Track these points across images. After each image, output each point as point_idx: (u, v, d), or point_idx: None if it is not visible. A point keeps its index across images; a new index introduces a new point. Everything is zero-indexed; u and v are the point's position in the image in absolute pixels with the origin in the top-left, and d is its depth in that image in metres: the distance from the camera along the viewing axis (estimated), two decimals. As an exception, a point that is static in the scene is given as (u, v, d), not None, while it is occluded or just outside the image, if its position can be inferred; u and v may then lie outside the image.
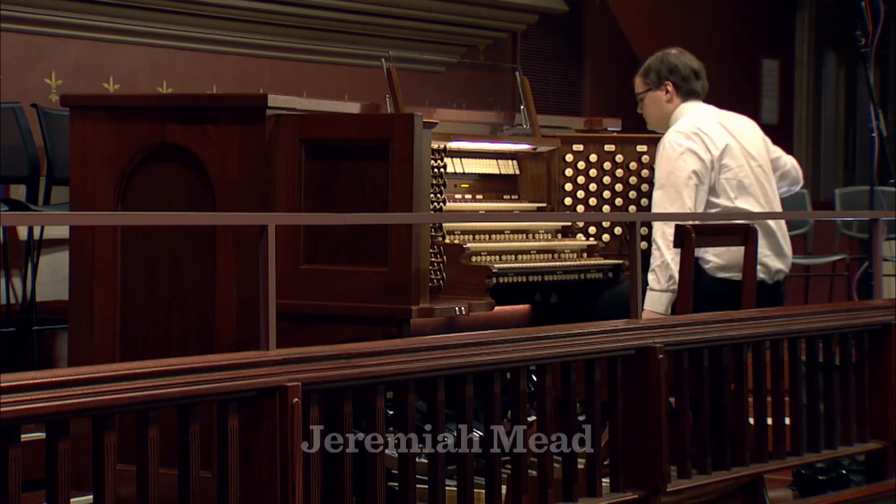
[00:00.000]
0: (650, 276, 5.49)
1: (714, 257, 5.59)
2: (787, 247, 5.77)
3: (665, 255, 5.47)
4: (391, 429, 4.52)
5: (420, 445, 3.95)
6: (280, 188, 4.73)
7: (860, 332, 5.43)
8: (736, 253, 5.46)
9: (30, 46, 7.07)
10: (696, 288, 5.24)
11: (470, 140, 5.60)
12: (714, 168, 5.62)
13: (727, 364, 4.88)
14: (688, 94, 5.80)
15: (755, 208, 5.66)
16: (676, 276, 5.35)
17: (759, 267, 5.46)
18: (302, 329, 4.64)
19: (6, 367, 6.11)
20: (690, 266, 5.21)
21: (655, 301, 5.48)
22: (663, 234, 5.47)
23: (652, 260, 5.53)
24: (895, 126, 10.59)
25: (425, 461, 4.05)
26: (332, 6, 8.35)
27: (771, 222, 5.68)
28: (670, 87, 5.78)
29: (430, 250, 4.80)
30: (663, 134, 5.73)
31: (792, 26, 12.02)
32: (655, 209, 5.59)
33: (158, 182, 4.86)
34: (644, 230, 5.80)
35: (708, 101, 5.87)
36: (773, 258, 5.70)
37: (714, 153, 5.62)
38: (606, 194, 5.87)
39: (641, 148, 5.89)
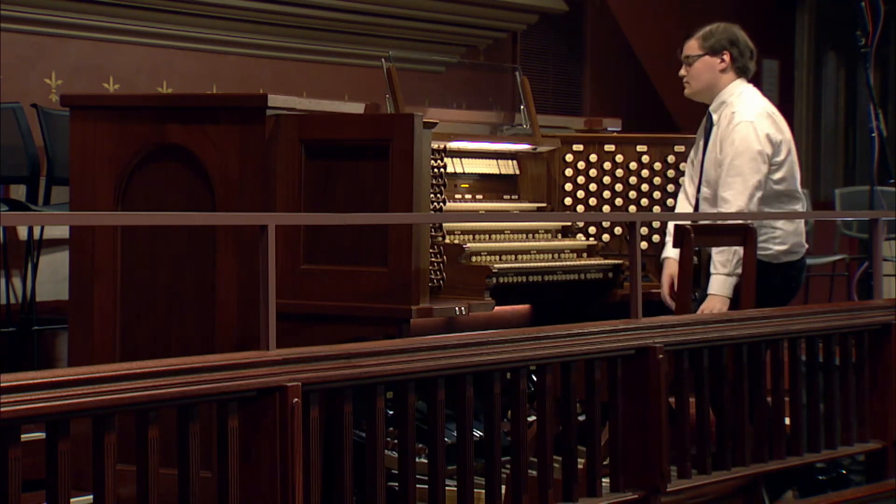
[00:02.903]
0: (718, 258, 5.46)
1: (779, 245, 5.61)
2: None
3: None
4: (391, 429, 4.53)
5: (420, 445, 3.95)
6: (280, 188, 4.73)
7: (860, 332, 5.43)
8: (797, 236, 5.64)
9: (30, 46, 7.07)
10: (763, 283, 5.36)
11: (470, 140, 5.60)
12: (780, 150, 5.62)
13: (727, 364, 4.88)
14: (740, 71, 5.73)
15: (801, 191, 5.74)
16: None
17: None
18: (302, 329, 4.64)
19: (6, 367, 6.11)
20: (689, 265, 5.21)
21: (722, 285, 5.45)
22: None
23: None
24: (895, 126, 10.59)
25: (425, 461, 4.06)
26: (332, 6, 8.34)
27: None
28: (727, 58, 5.72)
29: (430, 250, 4.80)
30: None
31: (792, 26, 12.01)
32: (727, 187, 5.50)
33: (158, 182, 4.86)
34: (644, 230, 5.80)
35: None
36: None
37: (784, 136, 5.66)
38: (606, 194, 5.87)
39: (641, 148, 5.89)
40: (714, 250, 5.48)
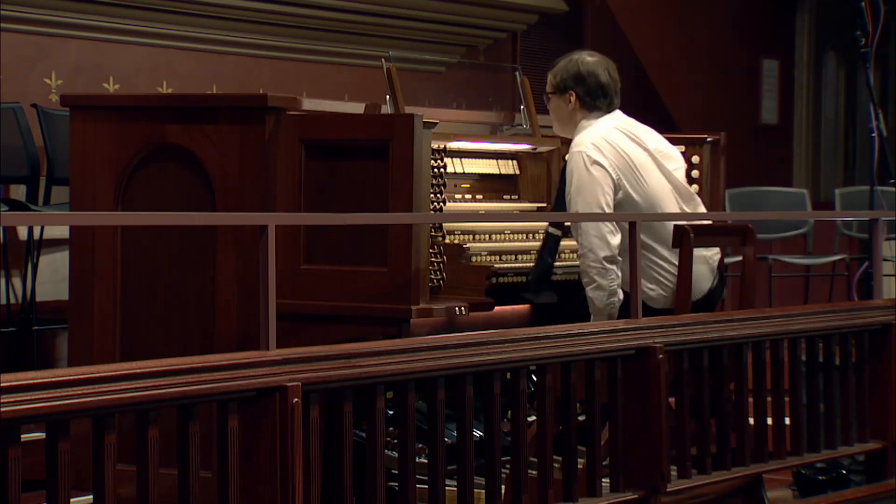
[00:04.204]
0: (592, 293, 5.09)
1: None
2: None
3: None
4: (391, 429, 4.53)
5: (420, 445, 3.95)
6: (280, 188, 4.74)
7: (860, 332, 5.43)
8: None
9: (30, 46, 7.07)
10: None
11: (470, 140, 5.60)
12: (621, 177, 5.17)
13: (727, 364, 4.88)
14: (591, 109, 5.33)
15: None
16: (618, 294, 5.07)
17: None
18: (302, 329, 4.64)
19: (6, 367, 6.11)
20: (689, 265, 5.20)
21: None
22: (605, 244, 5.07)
23: (589, 272, 5.08)
24: (895, 126, 10.59)
25: (425, 461, 4.06)
26: (332, 6, 8.35)
27: (706, 253, 5.31)
28: (573, 99, 5.33)
29: (430, 250, 4.80)
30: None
31: (792, 26, 12.02)
32: (577, 231, 5.14)
33: (158, 182, 4.86)
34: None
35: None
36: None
37: (621, 161, 5.19)
38: (606, 194, 5.85)
39: (641, 148, 5.87)
40: (586, 285, 5.10)
